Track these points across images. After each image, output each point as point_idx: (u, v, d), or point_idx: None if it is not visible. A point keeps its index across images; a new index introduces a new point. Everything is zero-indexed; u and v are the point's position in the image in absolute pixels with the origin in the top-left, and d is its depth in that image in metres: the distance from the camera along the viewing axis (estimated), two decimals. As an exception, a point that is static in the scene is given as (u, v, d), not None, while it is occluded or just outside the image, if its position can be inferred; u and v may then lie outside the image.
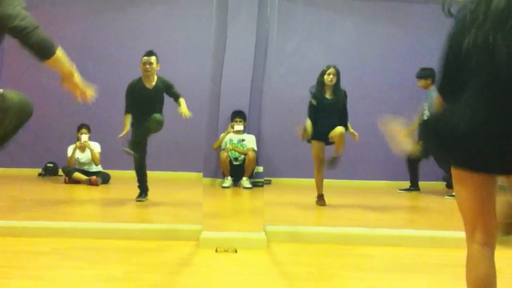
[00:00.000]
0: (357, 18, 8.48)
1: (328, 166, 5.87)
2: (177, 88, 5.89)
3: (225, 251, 3.73)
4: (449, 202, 6.87)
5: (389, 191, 7.65)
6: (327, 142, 5.80)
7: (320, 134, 5.77)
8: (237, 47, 7.66)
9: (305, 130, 5.77)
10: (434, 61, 8.13)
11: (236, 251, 3.72)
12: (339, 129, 5.73)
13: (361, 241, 4.09)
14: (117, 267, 3.33)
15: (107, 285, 2.96)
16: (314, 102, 5.82)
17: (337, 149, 5.78)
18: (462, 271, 3.46)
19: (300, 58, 8.31)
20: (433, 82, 6.98)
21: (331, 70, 5.83)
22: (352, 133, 6.03)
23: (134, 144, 5.64)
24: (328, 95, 5.85)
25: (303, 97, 6.43)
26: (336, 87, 5.83)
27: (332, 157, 5.84)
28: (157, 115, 5.57)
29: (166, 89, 5.81)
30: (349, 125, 5.99)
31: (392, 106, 8.39)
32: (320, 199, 5.94)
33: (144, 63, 5.72)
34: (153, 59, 5.72)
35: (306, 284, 3.12)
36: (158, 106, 5.81)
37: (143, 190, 5.84)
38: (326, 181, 6.07)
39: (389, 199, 6.99)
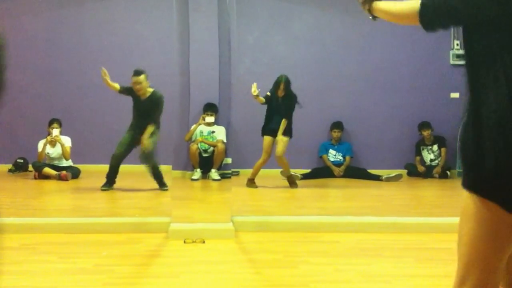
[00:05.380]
0: (315, 8, 8.51)
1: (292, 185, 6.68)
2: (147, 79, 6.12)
3: (193, 241, 3.80)
4: (408, 190, 7.07)
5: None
6: (275, 136, 6.50)
7: (269, 130, 6.54)
8: (201, 40, 7.72)
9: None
10: (392, 50, 8.31)
11: (204, 242, 3.80)
12: (279, 150, 6.43)
13: (327, 229, 4.21)
14: (87, 260, 3.37)
15: (78, 277, 3.01)
16: (263, 100, 6.47)
17: (286, 169, 6.62)
18: (423, 254, 3.65)
19: (263, 49, 8.36)
20: None
21: (281, 81, 6.47)
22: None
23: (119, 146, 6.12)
24: (279, 97, 6.54)
25: (269, 88, 6.60)
26: (286, 92, 6.50)
27: (288, 178, 6.68)
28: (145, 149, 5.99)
29: (154, 105, 6.05)
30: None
31: (354, 95, 8.52)
32: (251, 182, 6.58)
33: (134, 83, 6.01)
34: (141, 78, 6.00)
35: (273, 270, 3.22)
36: (150, 116, 6.06)
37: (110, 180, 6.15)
38: (291, 170, 6.75)
39: (353, 187, 7.09)
